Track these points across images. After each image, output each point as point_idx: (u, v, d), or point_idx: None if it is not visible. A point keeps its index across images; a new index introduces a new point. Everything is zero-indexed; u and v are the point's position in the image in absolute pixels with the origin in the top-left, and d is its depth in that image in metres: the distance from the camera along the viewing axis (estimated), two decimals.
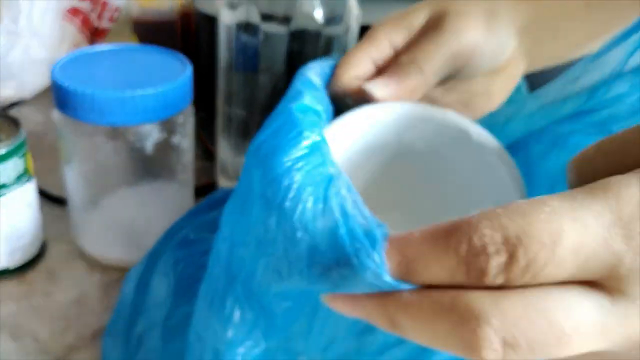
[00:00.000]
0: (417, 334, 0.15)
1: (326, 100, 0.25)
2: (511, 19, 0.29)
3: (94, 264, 0.41)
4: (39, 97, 0.64)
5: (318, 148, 0.20)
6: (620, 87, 0.23)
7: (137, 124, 0.35)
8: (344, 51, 0.41)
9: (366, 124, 0.26)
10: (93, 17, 0.62)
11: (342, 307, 0.17)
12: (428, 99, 0.30)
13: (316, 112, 0.22)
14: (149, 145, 0.36)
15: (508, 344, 0.14)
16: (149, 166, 0.38)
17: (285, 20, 0.38)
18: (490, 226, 0.14)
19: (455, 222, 0.15)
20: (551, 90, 0.28)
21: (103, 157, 0.37)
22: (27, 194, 0.38)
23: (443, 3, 0.29)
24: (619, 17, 0.30)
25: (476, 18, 0.28)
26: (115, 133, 0.35)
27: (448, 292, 0.15)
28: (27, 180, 0.38)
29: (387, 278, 0.15)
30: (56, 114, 0.36)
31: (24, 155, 0.37)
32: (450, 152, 0.26)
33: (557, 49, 0.32)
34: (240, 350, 0.21)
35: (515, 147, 0.27)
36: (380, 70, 0.29)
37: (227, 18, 0.39)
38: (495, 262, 0.14)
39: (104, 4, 0.62)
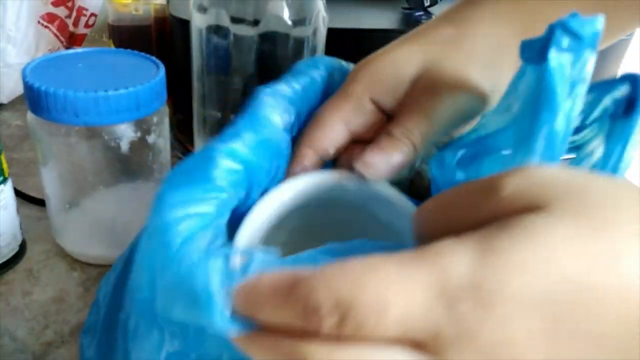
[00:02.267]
0: None
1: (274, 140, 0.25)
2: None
3: (73, 262, 0.42)
4: (17, 102, 0.65)
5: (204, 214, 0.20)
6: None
7: (112, 124, 0.36)
8: (313, 52, 0.42)
9: (292, 196, 0.26)
10: (69, 22, 0.63)
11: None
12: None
13: (243, 162, 0.23)
14: (125, 145, 0.37)
15: None
16: (126, 166, 0.39)
17: (255, 22, 0.39)
18: (325, 290, 0.15)
19: (298, 275, 0.16)
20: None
21: (79, 158, 0.37)
22: (3, 196, 0.39)
23: (437, 53, 0.27)
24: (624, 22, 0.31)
25: (475, 67, 0.27)
26: (90, 133, 0.36)
27: (288, 340, 0.16)
28: (2, 182, 0.38)
29: (230, 335, 0.17)
30: (30, 116, 0.37)
31: None
32: (371, 209, 0.27)
33: None
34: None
35: None
36: (362, 136, 0.28)
37: (198, 21, 0.40)
38: (328, 323, 0.15)
39: (80, 10, 0.62)
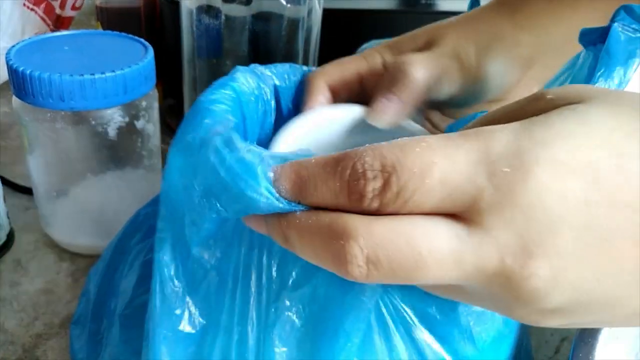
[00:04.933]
0: (301, 248, 0.17)
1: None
2: (513, 52, 0.29)
3: (62, 252, 0.41)
4: (4, 87, 0.63)
5: (217, 116, 0.22)
6: None
7: (99, 109, 0.34)
8: (308, 33, 0.41)
9: (317, 125, 0.27)
10: (55, 5, 0.61)
11: (252, 224, 0.19)
12: (430, 123, 0.31)
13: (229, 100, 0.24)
14: (112, 131, 0.36)
15: (371, 262, 0.15)
16: (115, 152, 0.38)
17: (247, 2, 0.37)
18: (372, 155, 0.15)
19: (346, 151, 0.16)
20: None
21: (66, 145, 0.36)
22: None
23: (436, 31, 0.30)
24: None
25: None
26: (77, 118, 0.35)
27: (330, 213, 0.16)
28: None
29: (278, 204, 0.17)
30: (15, 101, 0.35)
31: None
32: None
33: None
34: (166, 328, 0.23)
35: None
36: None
37: (188, 1, 0.39)
38: (372, 186, 0.15)
39: None
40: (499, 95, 0.30)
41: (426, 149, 0.15)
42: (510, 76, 0.30)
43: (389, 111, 0.27)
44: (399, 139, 0.16)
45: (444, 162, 0.15)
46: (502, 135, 0.15)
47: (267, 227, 0.18)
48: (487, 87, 0.29)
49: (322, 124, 0.27)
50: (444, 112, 0.31)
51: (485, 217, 0.15)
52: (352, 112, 0.27)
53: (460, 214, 0.15)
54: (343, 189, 0.16)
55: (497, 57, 0.29)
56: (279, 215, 0.17)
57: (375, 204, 0.15)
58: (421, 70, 0.27)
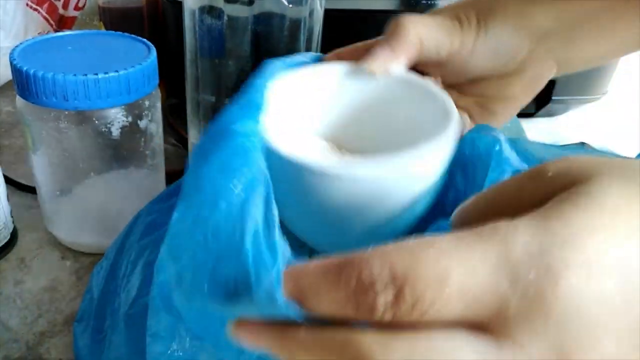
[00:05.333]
0: None
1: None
2: (520, 22, 0.29)
3: (66, 251, 0.41)
4: (7, 87, 0.63)
5: (249, 156, 0.20)
6: None
7: (102, 108, 0.35)
8: (310, 33, 0.41)
9: (317, 74, 0.29)
10: (58, 5, 0.61)
11: (244, 336, 0.16)
12: None
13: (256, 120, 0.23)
14: (116, 130, 0.36)
15: None
16: (118, 152, 0.38)
17: (249, 2, 0.38)
18: (380, 263, 0.14)
19: (348, 256, 0.15)
20: None
21: (69, 144, 0.37)
22: None
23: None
24: None
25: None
26: (80, 118, 0.35)
27: (339, 331, 0.14)
28: None
29: (281, 300, 0.15)
30: (19, 101, 0.36)
31: None
32: (393, 95, 0.29)
33: (595, 51, 0.31)
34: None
35: None
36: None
37: (190, 1, 0.39)
38: (383, 299, 0.14)
39: None
40: (510, 65, 0.30)
41: (439, 254, 0.14)
42: (517, 44, 0.29)
43: (380, 56, 0.28)
44: (404, 240, 0.14)
45: (461, 269, 0.13)
46: (519, 235, 0.14)
47: (265, 340, 0.16)
48: (492, 52, 0.29)
49: (322, 73, 0.29)
50: (461, 90, 0.31)
51: (515, 329, 0.13)
52: (350, 64, 0.29)
53: (486, 325, 0.14)
54: (350, 301, 0.14)
55: (499, 22, 0.29)
56: (283, 329, 0.16)
57: (388, 316, 0.14)
58: (416, 25, 0.28)
